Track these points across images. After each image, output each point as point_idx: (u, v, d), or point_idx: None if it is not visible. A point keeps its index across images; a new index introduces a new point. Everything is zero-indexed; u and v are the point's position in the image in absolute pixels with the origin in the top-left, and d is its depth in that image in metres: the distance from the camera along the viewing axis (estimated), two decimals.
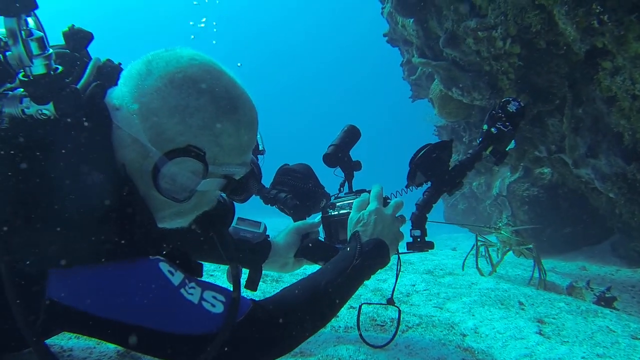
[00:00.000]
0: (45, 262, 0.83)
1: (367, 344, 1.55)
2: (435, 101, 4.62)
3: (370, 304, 2.01)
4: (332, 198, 1.58)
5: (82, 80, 0.97)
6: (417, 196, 1.54)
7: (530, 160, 4.29)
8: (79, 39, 1.04)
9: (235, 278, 1.04)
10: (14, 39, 0.81)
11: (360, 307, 1.59)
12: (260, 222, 1.57)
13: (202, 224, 1.13)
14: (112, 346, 1.41)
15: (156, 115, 0.93)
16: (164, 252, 0.98)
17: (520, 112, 1.51)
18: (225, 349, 0.90)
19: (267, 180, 1.70)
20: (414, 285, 2.80)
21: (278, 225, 1.84)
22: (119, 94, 0.98)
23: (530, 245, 3.32)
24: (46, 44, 0.85)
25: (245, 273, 1.52)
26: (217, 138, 0.97)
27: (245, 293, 1.29)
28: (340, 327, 1.82)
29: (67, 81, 0.90)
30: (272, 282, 2.60)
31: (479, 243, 3.48)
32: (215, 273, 2.80)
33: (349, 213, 1.37)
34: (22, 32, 0.81)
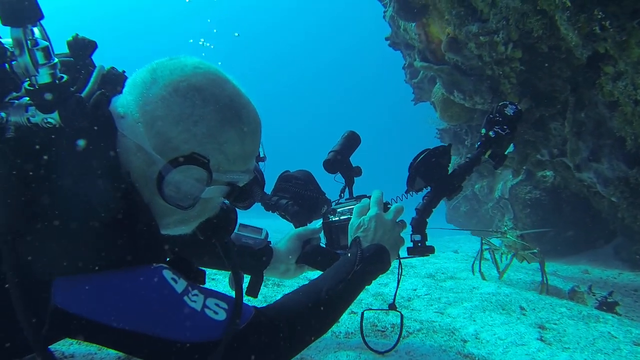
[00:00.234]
0: (51, 269, 0.84)
1: (371, 349, 1.55)
2: (437, 104, 4.63)
3: (373, 309, 2.01)
4: (333, 204, 1.58)
5: (87, 89, 0.98)
6: (417, 201, 1.54)
7: (533, 164, 4.29)
8: (83, 47, 1.05)
9: (237, 285, 1.04)
10: (20, 49, 0.82)
11: (362, 313, 1.59)
12: (261, 229, 1.58)
13: (205, 231, 1.13)
14: (113, 352, 1.42)
15: (161, 123, 0.94)
16: (168, 259, 0.99)
17: (517, 116, 1.52)
18: (228, 356, 0.90)
19: (267, 186, 1.70)
20: (415, 290, 2.80)
21: (281, 226, 1.84)
22: (124, 102, 0.98)
23: (535, 250, 3.32)
24: (51, 53, 0.86)
25: (246, 279, 1.53)
26: (221, 146, 0.98)
27: (247, 299, 1.29)
28: (341, 332, 1.82)
29: (72, 90, 0.91)
30: (274, 287, 2.61)
31: (484, 247, 3.48)
32: (217, 277, 2.80)
33: (349, 219, 1.38)
34: (28, 42, 0.82)
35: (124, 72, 1.13)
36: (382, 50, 6.62)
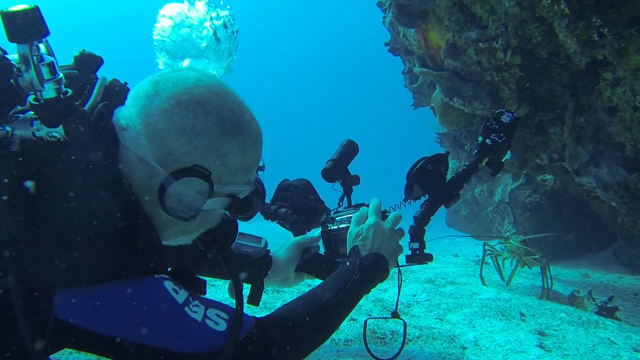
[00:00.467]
0: (53, 280, 0.85)
1: (374, 357, 1.55)
2: (437, 109, 4.64)
3: (375, 318, 2.01)
4: (332, 212, 1.59)
5: (90, 101, 0.99)
6: (416, 209, 1.55)
7: (532, 168, 4.30)
8: (89, 63, 1.06)
9: (238, 295, 1.05)
10: (26, 65, 0.83)
11: (365, 322, 1.59)
12: (261, 238, 1.58)
13: (206, 241, 1.14)
14: None
15: (163, 136, 0.95)
16: (169, 269, 0.99)
17: (514, 123, 1.53)
18: None
19: (267, 195, 1.71)
20: (414, 296, 2.81)
21: (281, 230, 1.84)
22: (127, 114, 0.99)
23: (537, 255, 3.32)
24: (57, 68, 0.87)
25: (246, 288, 1.53)
26: (223, 158, 0.98)
27: (248, 308, 1.30)
28: (340, 340, 1.83)
29: (76, 104, 0.92)
30: (273, 293, 2.61)
31: (487, 252, 3.48)
32: (217, 282, 2.81)
33: (348, 227, 1.39)
34: (34, 58, 0.83)
35: (126, 83, 1.14)
36: (382, 55, 6.63)
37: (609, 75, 2.59)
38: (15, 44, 0.82)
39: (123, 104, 1.04)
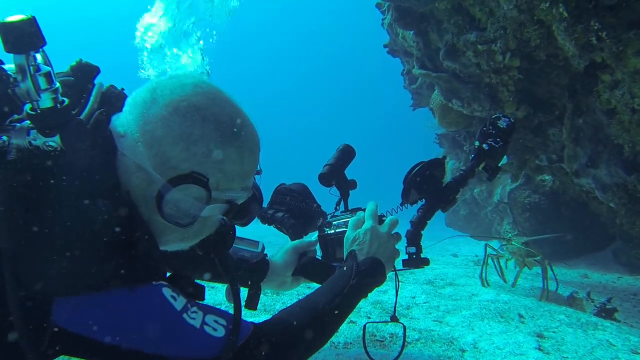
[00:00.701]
0: (52, 288, 0.85)
1: None
2: (436, 111, 4.65)
3: (374, 322, 2.01)
4: (329, 217, 1.59)
5: (87, 109, 0.99)
6: (413, 213, 1.55)
7: (532, 169, 4.30)
8: (86, 73, 1.06)
9: (236, 300, 1.05)
10: (23, 75, 0.83)
11: (365, 326, 1.59)
12: (258, 242, 1.58)
13: (204, 246, 1.14)
14: None
15: (160, 143, 0.95)
16: (167, 274, 1.00)
17: (510, 128, 1.53)
18: None
19: (264, 200, 1.71)
20: (414, 298, 2.81)
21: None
22: (124, 121, 0.99)
23: (539, 257, 3.32)
24: (53, 78, 0.87)
25: (243, 292, 1.54)
26: (221, 165, 0.99)
27: (245, 313, 1.31)
28: (339, 343, 1.84)
29: (73, 113, 0.92)
30: (273, 295, 2.62)
31: (488, 252, 3.48)
32: (217, 285, 2.81)
33: (345, 231, 1.39)
34: (31, 68, 0.83)
35: (122, 89, 1.14)
36: (380, 56, 6.64)
37: (607, 78, 2.59)
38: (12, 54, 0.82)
39: (120, 110, 1.04)
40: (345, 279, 1.21)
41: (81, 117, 0.96)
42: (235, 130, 1.01)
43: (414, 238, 1.47)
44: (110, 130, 1.00)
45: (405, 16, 3.90)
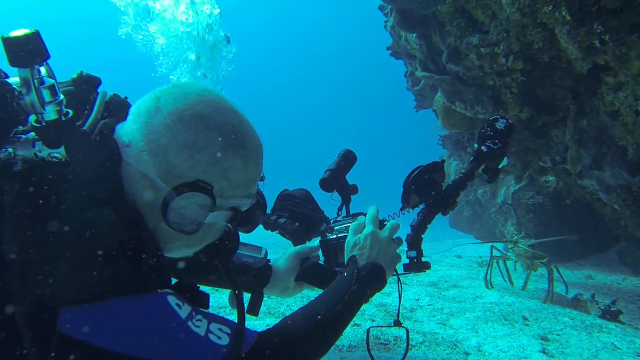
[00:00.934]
0: (58, 297, 0.86)
1: None
2: (439, 112, 4.64)
3: (378, 326, 2.02)
4: (331, 222, 1.60)
5: (91, 118, 1.00)
6: (413, 217, 1.56)
7: (535, 170, 4.29)
8: (88, 84, 1.07)
9: (239, 307, 1.06)
10: (28, 88, 0.84)
11: (368, 330, 1.60)
12: (261, 247, 1.59)
13: (208, 252, 1.15)
14: None
15: (165, 151, 0.96)
16: (172, 282, 1.00)
17: (509, 130, 1.53)
18: None
19: (267, 205, 1.72)
20: (417, 300, 2.81)
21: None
22: (129, 130, 1.00)
23: (546, 259, 3.32)
24: (57, 90, 0.88)
25: (246, 297, 1.54)
26: (225, 173, 0.99)
27: (248, 317, 1.31)
28: (344, 346, 1.84)
29: (77, 124, 0.93)
30: (277, 298, 2.62)
31: (494, 254, 3.48)
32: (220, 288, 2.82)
33: (346, 236, 1.39)
34: (35, 81, 0.84)
35: (126, 98, 1.15)
36: (383, 58, 6.63)
37: (610, 80, 2.58)
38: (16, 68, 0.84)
39: (124, 118, 1.05)
40: (347, 285, 1.22)
41: (85, 127, 0.97)
42: (239, 138, 1.02)
43: (414, 242, 1.47)
44: (115, 139, 1.01)
45: (407, 19, 3.91)
